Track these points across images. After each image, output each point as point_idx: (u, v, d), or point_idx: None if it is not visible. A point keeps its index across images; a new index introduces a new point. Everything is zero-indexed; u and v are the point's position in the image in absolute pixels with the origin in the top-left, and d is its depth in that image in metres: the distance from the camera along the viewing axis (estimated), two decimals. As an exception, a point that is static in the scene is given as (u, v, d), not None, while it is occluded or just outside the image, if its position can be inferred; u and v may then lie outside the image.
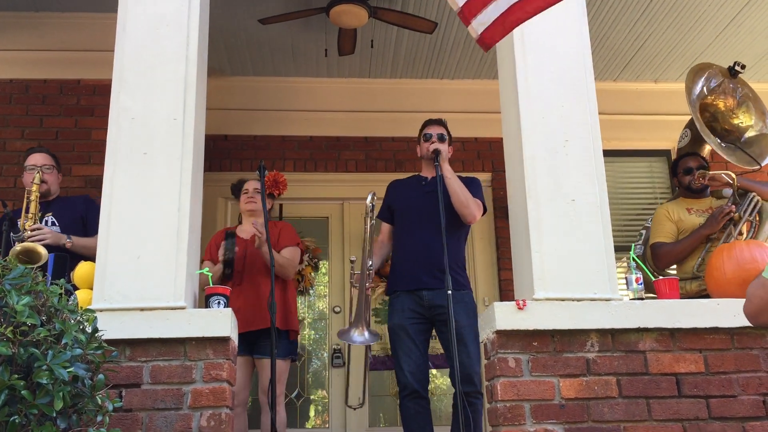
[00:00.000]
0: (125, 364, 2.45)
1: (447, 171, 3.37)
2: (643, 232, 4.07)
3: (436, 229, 3.23)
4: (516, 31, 2.87)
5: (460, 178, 3.49)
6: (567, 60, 2.90)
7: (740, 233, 3.57)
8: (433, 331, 3.41)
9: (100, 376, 1.99)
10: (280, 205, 5.48)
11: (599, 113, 2.87)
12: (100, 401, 1.96)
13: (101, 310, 2.40)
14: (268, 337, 3.53)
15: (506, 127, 3.02)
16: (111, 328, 2.33)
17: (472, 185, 3.49)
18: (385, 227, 3.75)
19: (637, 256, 3.93)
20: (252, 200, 3.91)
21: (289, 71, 5.61)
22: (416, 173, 3.72)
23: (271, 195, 4.06)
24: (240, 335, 3.49)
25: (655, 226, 3.82)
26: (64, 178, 3.96)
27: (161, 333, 2.48)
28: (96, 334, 2.03)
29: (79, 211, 3.65)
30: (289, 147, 5.60)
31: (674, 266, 3.77)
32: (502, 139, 3.09)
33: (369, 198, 3.54)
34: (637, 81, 5.79)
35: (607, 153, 2.96)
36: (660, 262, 3.72)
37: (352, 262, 3.91)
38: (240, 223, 4.08)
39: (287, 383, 4.07)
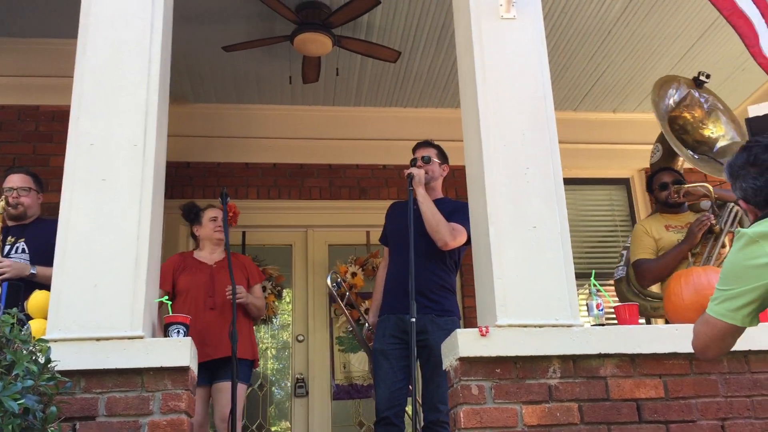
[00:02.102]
0: (80, 396, 2.38)
1: (420, 195, 3.38)
2: (624, 252, 4.00)
3: (420, 253, 3.24)
4: (477, 60, 2.93)
5: (451, 202, 3.52)
6: (528, 89, 2.94)
7: (723, 245, 3.54)
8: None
9: (53, 408, 1.92)
10: (243, 233, 5.44)
11: (560, 142, 2.91)
12: (52, 434, 1.89)
13: (55, 340, 2.33)
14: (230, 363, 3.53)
15: (468, 155, 3.04)
16: (65, 359, 2.26)
17: (459, 211, 3.46)
18: (386, 251, 3.77)
19: (620, 279, 3.93)
20: (219, 229, 3.91)
21: (252, 98, 5.61)
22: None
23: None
24: (202, 363, 3.47)
25: (635, 243, 3.76)
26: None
27: (118, 363, 2.41)
28: (49, 365, 1.98)
29: (54, 238, 3.55)
30: (253, 174, 5.58)
31: (658, 284, 3.71)
32: (464, 167, 3.12)
33: (329, 279, 3.71)
34: (597, 111, 5.92)
35: (568, 181, 3.00)
36: (643, 280, 3.66)
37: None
38: (197, 248, 4.04)
39: (249, 414, 4.04)
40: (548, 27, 4.66)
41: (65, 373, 2.15)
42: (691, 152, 3.84)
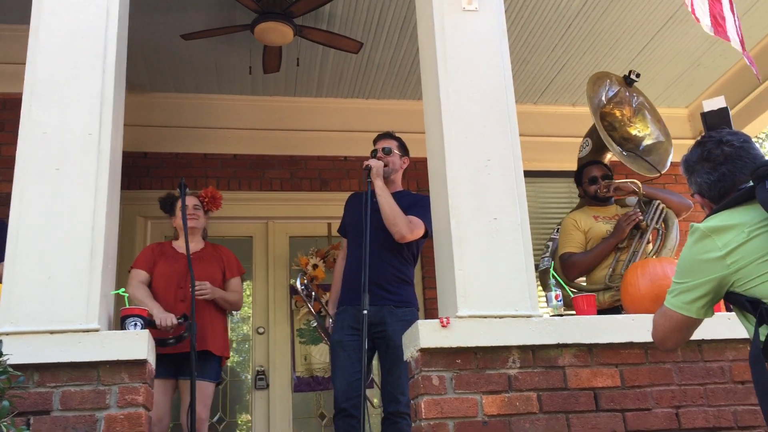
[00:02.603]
0: (33, 390, 2.33)
1: (378, 188, 3.36)
2: (550, 243, 4.06)
3: (377, 245, 3.23)
4: (439, 51, 2.93)
5: (410, 195, 3.51)
6: (489, 82, 2.95)
7: (648, 241, 3.63)
8: None
9: (5, 402, 1.87)
10: (203, 224, 5.36)
11: (520, 135, 2.93)
12: (5, 429, 1.85)
13: (7, 334, 2.28)
14: (202, 359, 3.51)
15: (430, 146, 3.04)
16: (18, 353, 2.20)
17: (418, 204, 3.46)
18: (344, 242, 3.74)
19: (545, 269, 3.99)
20: (192, 217, 3.81)
21: (212, 88, 5.54)
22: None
23: (207, 211, 3.98)
24: (167, 356, 3.45)
25: (563, 236, 3.81)
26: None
27: (73, 357, 2.37)
28: (0, 359, 1.92)
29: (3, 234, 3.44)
30: (212, 165, 5.51)
31: (584, 277, 3.78)
32: (426, 158, 3.12)
33: (298, 282, 4.11)
34: (556, 104, 5.98)
35: (528, 174, 3.02)
36: (570, 273, 3.71)
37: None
38: (175, 238, 3.95)
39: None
40: (509, 19, 4.69)
41: (18, 366, 2.10)
42: (619, 148, 3.90)
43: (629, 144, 4.05)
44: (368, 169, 3.38)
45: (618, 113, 4.07)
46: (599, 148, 4.03)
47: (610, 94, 3.98)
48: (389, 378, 3.31)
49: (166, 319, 3.37)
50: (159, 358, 3.43)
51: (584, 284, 3.75)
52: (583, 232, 3.75)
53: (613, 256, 3.63)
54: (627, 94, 4.04)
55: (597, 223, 3.75)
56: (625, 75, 4.03)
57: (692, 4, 3.02)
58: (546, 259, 3.98)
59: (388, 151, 3.57)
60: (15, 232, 2.51)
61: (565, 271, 3.71)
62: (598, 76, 4.00)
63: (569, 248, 3.74)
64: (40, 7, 2.79)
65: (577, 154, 4.20)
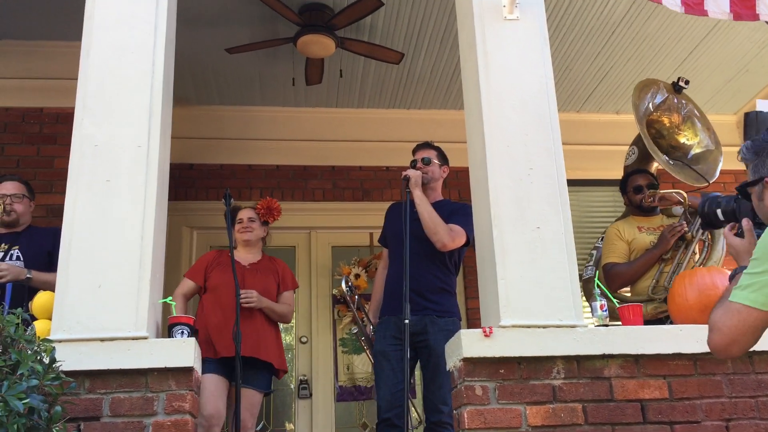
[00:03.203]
0: (84, 396, 2.38)
1: (417, 197, 3.38)
2: (594, 252, 4.02)
3: (417, 255, 3.25)
4: (480, 61, 2.93)
5: (451, 204, 3.52)
6: (531, 90, 2.94)
7: (694, 252, 3.55)
8: None
9: (57, 408, 1.93)
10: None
11: (563, 143, 2.91)
12: (57, 434, 1.90)
13: (60, 341, 2.33)
14: (254, 368, 3.56)
15: (472, 156, 3.04)
16: (70, 359, 2.26)
17: (458, 213, 3.47)
18: (385, 252, 3.77)
19: (588, 278, 3.94)
20: (247, 230, 3.87)
21: (255, 100, 5.62)
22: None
23: (266, 222, 4.02)
24: (223, 359, 3.54)
25: (607, 246, 3.77)
26: (27, 207, 3.87)
27: (122, 364, 2.42)
28: (54, 365, 1.98)
29: (47, 245, 3.51)
30: (256, 176, 5.58)
31: (627, 287, 3.72)
32: (468, 168, 3.12)
33: (343, 284, 4.20)
34: (600, 112, 5.91)
35: (571, 182, 2.99)
36: (613, 283, 3.66)
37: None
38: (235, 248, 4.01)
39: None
40: (551, 27, 4.66)
41: (70, 373, 2.16)
42: (666, 157, 3.82)
43: (677, 152, 3.97)
44: (407, 179, 3.40)
45: (666, 121, 3.99)
46: (645, 157, 3.96)
47: (658, 101, 3.92)
48: (431, 387, 3.31)
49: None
50: (214, 360, 3.51)
51: (628, 295, 3.69)
52: (627, 242, 3.70)
53: (657, 268, 3.57)
54: (675, 101, 3.97)
55: (641, 234, 3.69)
56: (673, 82, 3.96)
57: None
58: (590, 268, 3.93)
59: (427, 161, 3.58)
60: (67, 243, 2.59)
61: (608, 281, 3.67)
62: (645, 84, 3.94)
63: (612, 258, 3.69)
64: (92, 24, 2.88)
65: (623, 162, 4.14)
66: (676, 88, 3.94)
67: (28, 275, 3.33)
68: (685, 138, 3.97)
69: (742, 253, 1.93)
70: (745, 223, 1.96)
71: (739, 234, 1.98)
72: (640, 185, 3.78)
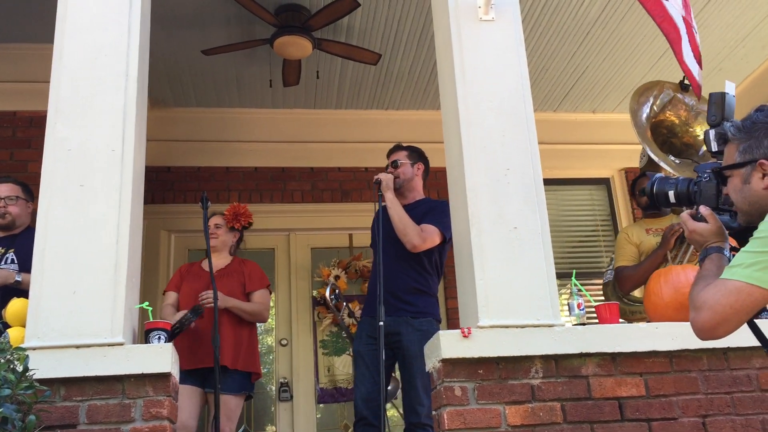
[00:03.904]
0: (60, 404, 2.35)
1: (388, 200, 3.41)
2: (612, 257, 4.09)
3: (393, 257, 3.26)
4: (457, 62, 2.94)
5: (430, 202, 3.54)
6: (507, 90, 2.95)
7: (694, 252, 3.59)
8: None
9: (32, 417, 1.91)
10: (225, 237, 5.40)
11: (540, 143, 2.92)
12: (31, 444, 1.87)
13: (34, 349, 2.31)
14: (222, 373, 3.49)
15: (449, 156, 3.05)
16: (45, 367, 2.24)
17: (433, 211, 3.48)
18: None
19: (607, 283, 4.00)
20: (212, 236, 3.85)
21: (233, 102, 5.60)
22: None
23: (232, 228, 3.98)
24: (196, 371, 3.52)
25: (617, 250, 3.85)
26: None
27: (98, 370, 2.39)
28: (27, 374, 1.96)
29: None
30: (234, 178, 5.56)
31: (638, 289, 3.77)
32: (445, 168, 3.13)
33: (328, 291, 4.25)
34: (576, 111, 5.95)
35: (548, 181, 3.01)
36: (623, 286, 3.75)
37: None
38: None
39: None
40: (527, 28, 4.69)
41: (45, 381, 2.13)
42: (673, 157, 3.84)
43: (691, 150, 3.97)
44: (378, 182, 3.45)
45: (676, 119, 4.00)
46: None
47: (665, 100, 3.93)
48: (407, 388, 3.32)
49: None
50: (186, 370, 3.47)
51: (640, 296, 3.73)
52: (635, 245, 3.77)
53: (664, 266, 3.61)
54: (684, 98, 3.98)
55: (648, 236, 3.77)
56: (680, 81, 3.95)
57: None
58: (609, 272, 3.99)
59: (396, 165, 3.63)
60: (41, 248, 2.55)
61: (619, 284, 3.76)
62: (646, 87, 3.94)
63: (622, 262, 3.77)
64: (64, 27, 2.85)
65: (630, 161, 4.15)
66: (683, 86, 3.94)
67: (17, 278, 3.28)
68: (697, 134, 3.97)
69: (709, 236, 1.89)
70: (704, 209, 1.92)
71: (699, 219, 1.92)
72: (644, 188, 3.82)
